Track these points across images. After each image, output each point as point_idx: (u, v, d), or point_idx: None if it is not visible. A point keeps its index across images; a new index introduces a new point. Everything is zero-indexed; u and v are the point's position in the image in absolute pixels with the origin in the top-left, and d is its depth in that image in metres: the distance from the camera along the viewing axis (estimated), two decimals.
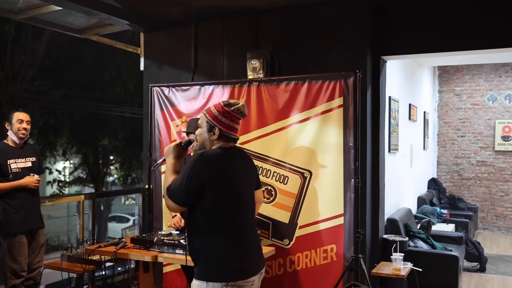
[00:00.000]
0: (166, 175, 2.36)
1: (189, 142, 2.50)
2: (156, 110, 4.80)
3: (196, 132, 2.44)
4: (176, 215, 3.54)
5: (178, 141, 2.50)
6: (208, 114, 2.40)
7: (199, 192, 2.24)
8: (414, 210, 6.91)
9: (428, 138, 8.25)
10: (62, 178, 16.21)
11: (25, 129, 3.91)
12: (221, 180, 2.28)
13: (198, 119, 3.80)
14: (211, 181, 2.24)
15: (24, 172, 3.90)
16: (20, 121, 3.90)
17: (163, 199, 2.46)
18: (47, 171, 15.36)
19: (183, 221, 3.49)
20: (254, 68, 4.59)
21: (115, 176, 17.86)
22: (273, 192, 4.23)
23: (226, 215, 2.29)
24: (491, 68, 8.61)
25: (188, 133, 3.61)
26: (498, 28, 4.20)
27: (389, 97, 5.21)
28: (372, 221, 4.52)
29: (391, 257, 3.98)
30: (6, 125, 3.95)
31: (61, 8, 4.75)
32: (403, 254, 3.99)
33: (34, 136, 13.36)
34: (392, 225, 5.10)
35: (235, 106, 2.39)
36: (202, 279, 2.28)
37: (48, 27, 5.78)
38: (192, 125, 3.61)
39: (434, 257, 4.96)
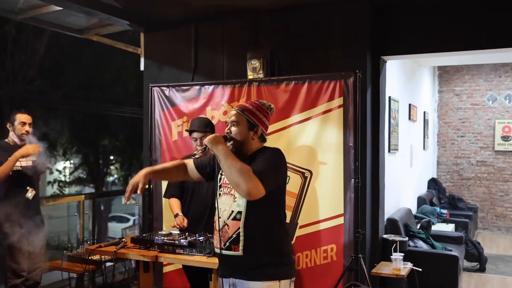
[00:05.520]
0: (233, 161, 2.17)
1: (226, 137, 2.41)
2: (156, 110, 4.80)
3: (233, 130, 2.36)
4: (179, 214, 3.53)
5: (216, 134, 2.39)
6: (248, 113, 2.37)
7: (278, 184, 2.30)
8: (414, 210, 6.92)
9: (428, 138, 8.26)
10: (63, 178, 16.22)
11: (27, 131, 3.91)
12: (285, 179, 2.40)
13: (202, 118, 3.85)
14: (284, 176, 2.38)
15: (25, 170, 3.90)
16: (22, 123, 3.90)
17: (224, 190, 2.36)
18: (48, 171, 15.36)
19: (186, 220, 3.48)
20: (254, 68, 4.60)
21: (115, 176, 17.88)
22: None
23: (284, 211, 2.38)
24: (491, 68, 8.62)
25: (191, 132, 3.61)
26: (498, 28, 4.21)
27: (389, 97, 5.21)
28: (372, 221, 4.53)
29: (391, 257, 3.98)
30: (7, 126, 3.94)
31: (61, 8, 4.76)
32: (403, 254, 4.00)
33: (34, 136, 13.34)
34: (392, 225, 5.10)
35: (271, 108, 2.47)
36: (274, 278, 2.26)
37: (49, 27, 5.79)
38: (195, 124, 3.60)
39: (434, 257, 4.97)
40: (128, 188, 2.36)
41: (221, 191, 2.38)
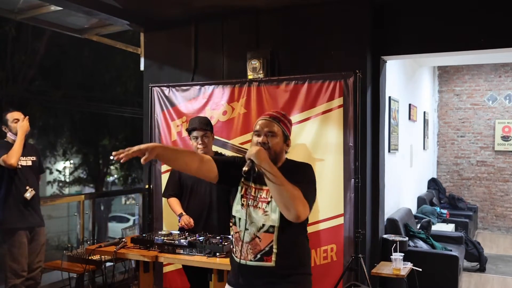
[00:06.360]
0: (284, 182, 2.06)
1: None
2: (156, 110, 4.80)
3: (272, 141, 2.21)
4: (183, 214, 3.52)
5: (258, 147, 2.16)
6: (283, 124, 2.29)
7: None
8: (414, 210, 6.92)
9: (428, 138, 8.26)
10: (62, 178, 16.23)
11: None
12: None
13: (201, 117, 3.84)
14: None
15: (25, 170, 3.90)
16: (16, 120, 3.90)
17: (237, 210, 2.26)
18: (47, 171, 15.37)
19: (192, 220, 3.49)
20: (254, 68, 4.60)
21: (115, 176, 17.88)
22: None
23: (308, 221, 2.33)
24: (491, 68, 8.62)
25: (190, 131, 3.60)
26: (498, 28, 4.21)
27: (389, 97, 5.21)
28: (372, 221, 4.53)
29: (391, 257, 3.98)
30: (3, 128, 3.94)
31: (61, 8, 4.76)
32: (403, 254, 4.00)
33: (34, 136, 13.36)
34: (392, 225, 5.10)
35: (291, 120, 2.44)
36: (301, 287, 2.27)
37: (48, 27, 5.78)
38: (195, 122, 3.59)
39: (434, 257, 4.97)
40: (132, 149, 2.10)
41: (243, 201, 2.27)
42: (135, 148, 2.10)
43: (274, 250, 2.18)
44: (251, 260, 2.21)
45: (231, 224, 2.36)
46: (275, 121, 2.27)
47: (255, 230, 2.21)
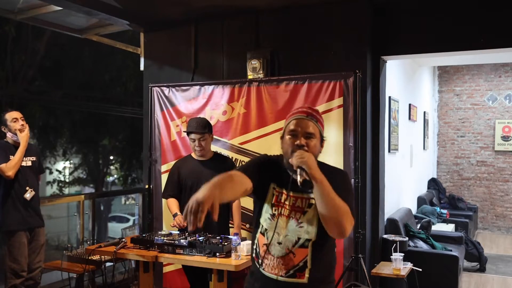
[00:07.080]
0: (335, 196, 1.84)
1: None
2: (156, 110, 4.80)
3: (311, 144, 1.96)
4: (178, 213, 3.52)
5: (307, 152, 1.91)
6: (320, 124, 2.03)
7: None
8: (414, 210, 6.92)
9: (428, 138, 8.25)
10: (62, 178, 16.22)
11: (22, 125, 3.91)
12: None
13: (199, 118, 3.85)
14: None
15: (24, 170, 3.90)
16: (15, 119, 3.90)
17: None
18: (47, 171, 15.36)
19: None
20: (254, 68, 4.60)
21: (115, 176, 17.87)
22: None
23: None
24: (491, 68, 8.61)
25: (188, 133, 3.61)
26: (498, 28, 4.21)
27: (389, 97, 5.21)
28: (372, 221, 4.53)
29: (391, 257, 3.98)
30: (3, 129, 3.94)
31: (61, 8, 4.76)
32: (403, 254, 4.00)
33: (34, 136, 13.35)
34: (392, 225, 5.10)
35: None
36: None
37: (48, 27, 5.79)
38: (193, 125, 3.61)
39: (434, 257, 4.97)
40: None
41: (275, 211, 2.03)
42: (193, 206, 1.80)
43: (308, 266, 1.99)
44: (282, 276, 2.01)
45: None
46: (313, 120, 1.99)
47: (290, 245, 1.99)
